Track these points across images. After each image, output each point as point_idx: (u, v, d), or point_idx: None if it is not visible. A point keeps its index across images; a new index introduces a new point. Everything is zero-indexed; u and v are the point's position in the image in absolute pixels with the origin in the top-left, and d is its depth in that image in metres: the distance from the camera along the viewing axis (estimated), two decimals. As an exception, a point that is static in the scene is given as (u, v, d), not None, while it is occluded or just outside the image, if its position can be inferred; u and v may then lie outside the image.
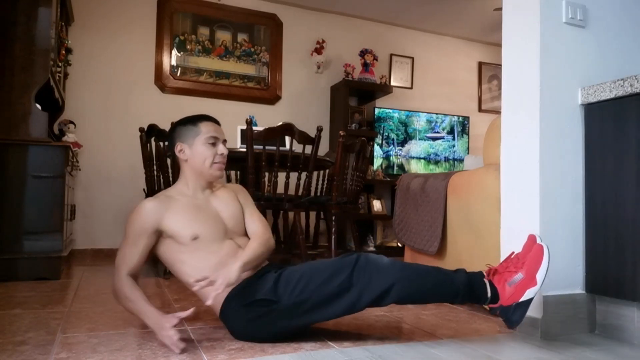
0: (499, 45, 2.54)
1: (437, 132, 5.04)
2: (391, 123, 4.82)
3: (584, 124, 1.74)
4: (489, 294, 1.45)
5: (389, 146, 4.83)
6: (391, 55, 5.07)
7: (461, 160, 5.08)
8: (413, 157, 4.93)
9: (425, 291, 1.44)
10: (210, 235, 1.57)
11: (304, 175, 2.87)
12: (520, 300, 1.41)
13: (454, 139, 5.11)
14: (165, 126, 2.96)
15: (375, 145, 4.71)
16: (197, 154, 1.64)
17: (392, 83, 5.01)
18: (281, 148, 2.81)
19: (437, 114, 5.05)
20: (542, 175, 1.66)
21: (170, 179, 2.94)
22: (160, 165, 2.98)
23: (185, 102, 4.15)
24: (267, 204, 2.77)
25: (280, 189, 3.09)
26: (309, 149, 2.86)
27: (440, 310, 2.07)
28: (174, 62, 4.20)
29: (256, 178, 2.81)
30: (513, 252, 1.51)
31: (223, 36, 4.39)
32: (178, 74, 4.20)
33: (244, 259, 1.51)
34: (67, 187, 2.91)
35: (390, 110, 4.84)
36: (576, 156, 1.73)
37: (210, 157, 1.64)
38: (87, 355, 1.34)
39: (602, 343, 1.57)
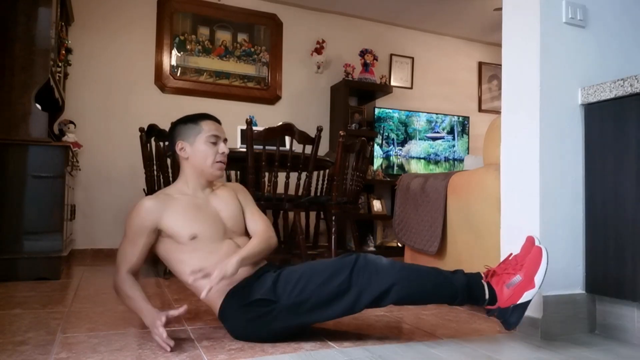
0: (499, 45, 2.54)
1: (437, 132, 5.04)
2: (391, 123, 4.82)
3: (584, 124, 1.74)
4: (487, 296, 1.44)
5: (389, 146, 4.83)
6: (391, 55, 5.07)
7: (461, 160, 5.08)
8: (413, 157, 4.93)
9: (424, 292, 1.44)
10: (210, 235, 1.57)
11: (304, 175, 2.87)
12: (518, 302, 1.40)
13: (454, 139, 5.11)
14: (165, 126, 2.96)
15: (375, 145, 4.71)
16: (198, 152, 1.64)
17: (392, 83, 5.01)
18: (281, 148, 2.81)
19: (437, 114, 5.06)
20: (542, 175, 1.66)
21: (170, 178, 2.94)
22: (160, 165, 2.98)
23: (185, 102, 4.15)
24: (267, 204, 2.77)
25: (280, 189, 3.09)
26: (309, 149, 2.86)
27: (440, 310, 2.07)
28: (174, 62, 4.20)
29: (256, 178, 2.81)
30: (511, 254, 1.50)
31: (223, 36, 4.39)
32: (178, 74, 4.20)
33: (242, 253, 1.51)
34: (67, 187, 2.91)
35: (390, 110, 4.84)
36: (576, 156, 1.73)
37: (211, 156, 1.64)
38: (87, 355, 1.34)
39: (602, 343, 1.57)
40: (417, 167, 4.94)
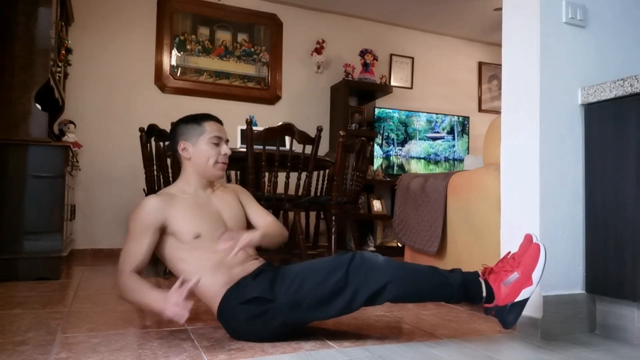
0: (499, 45, 2.54)
1: (437, 132, 5.04)
2: (391, 123, 4.82)
3: (584, 124, 1.74)
4: (484, 294, 1.43)
5: (389, 146, 4.83)
6: (391, 55, 5.07)
7: (461, 160, 5.08)
8: (413, 157, 4.93)
9: (420, 290, 1.44)
10: (212, 234, 1.57)
11: (304, 175, 2.87)
12: (516, 300, 1.40)
13: (454, 139, 5.11)
14: (165, 126, 2.96)
15: (375, 145, 4.71)
16: (200, 152, 1.64)
17: (392, 83, 5.01)
18: (281, 148, 2.81)
19: (437, 114, 5.06)
20: (542, 175, 1.66)
21: (170, 178, 2.94)
22: (160, 165, 2.98)
23: (185, 102, 4.16)
24: (267, 204, 2.76)
25: (280, 189, 3.09)
26: (309, 149, 2.86)
27: (440, 310, 2.07)
28: (174, 62, 4.20)
29: (256, 178, 2.81)
30: (509, 252, 1.50)
31: (223, 36, 4.39)
32: (178, 74, 4.20)
33: (263, 230, 1.58)
34: (67, 187, 2.91)
35: (390, 110, 4.84)
36: (576, 156, 1.73)
37: (213, 157, 1.65)
38: (87, 355, 1.34)
39: (602, 343, 1.57)
40: (417, 167, 4.94)
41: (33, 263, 2.63)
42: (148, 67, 4.12)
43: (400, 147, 4.87)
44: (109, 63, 3.99)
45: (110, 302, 2.08)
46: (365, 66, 4.68)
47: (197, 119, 1.68)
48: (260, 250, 1.76)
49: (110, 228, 3.88)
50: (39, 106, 2.75)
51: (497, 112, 5.29)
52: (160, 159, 2.98)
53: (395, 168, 4.85)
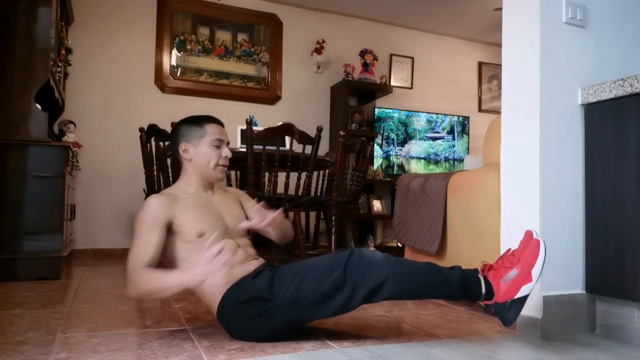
0: (499, 45, 2.54)
1: (437, 132, 5.04)
2: (391, 123, 4.83)
3: (584, 124, 1.74)
4: (484, 290, 1.42)
5: (389, 146, 4.83)
6: (391, 55, 5.07)
7: (461, 160, 5.08)
8: (413, 157, 4.93)
9: (419, 286, 1.43)
10: (214, 233, 1.57)
11: (304, 175, 2.87)
12: (516, 297, 1.39)
13: (454, 139, 5.11)
14: (165, 126, 2.97)
15: (375, 145, 4.72)
16: (201, 154, 1.65)
17: (392, 83, 5.01)
18: (281, 148, 2.81)
19: (437, 114, 5.06)
20: (542, 175, 1.66)
21: (170, 179, 2.94)
22: (160, 165, 2.98)
23: (185, 102, 4.16)
24: (267, 204, 2.76)
25: (280, 189, 3.09)
26: (309, 149, 2.86)
27: (440, 310, 2.07)
28: (174, 62, 4.20)
29: (256, 178, 2.81)
30: (510, 249, 1.50)
31: (223, 36, 4.39)
32: (178, 74, 4.20)
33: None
34: (67, 187, 2.91)
35: (390, 110, 4.84)
36: (576, 156, 1.73)
37: (214, 159, 1.65)
38: (87, 355, 1.34)
39: (602, 343, 1.57)
40: (417, 167, 4.94)
41: (33, 263, 2.63)
42: (148, 67, 4.12)
43: (400, 147, 4.88)
44: (109, 63, 3.99)
45: (110, 302, 2.08)
46: (365, 66, 4.68)
47: (199, 121, 1.68)
48: (260, 250, 1.76)
49: (110, 228, 3.88)
50: (39, 106, 2.75)
51: (497, 112, 5.29)
52: (160, 159, 2.98)
53: (395, 168, 4.85)
